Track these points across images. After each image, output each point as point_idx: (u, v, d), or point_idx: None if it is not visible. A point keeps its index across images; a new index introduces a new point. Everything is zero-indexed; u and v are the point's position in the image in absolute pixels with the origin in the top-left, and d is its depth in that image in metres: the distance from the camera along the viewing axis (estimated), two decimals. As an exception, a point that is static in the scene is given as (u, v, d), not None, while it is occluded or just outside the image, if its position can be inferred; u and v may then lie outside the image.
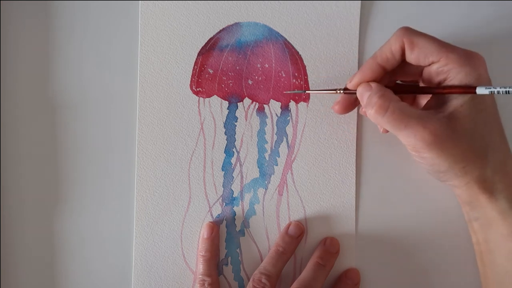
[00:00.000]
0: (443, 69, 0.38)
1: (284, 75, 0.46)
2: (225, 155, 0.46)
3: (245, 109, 0.46)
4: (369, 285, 0.45)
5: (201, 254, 0.44)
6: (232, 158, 0.46)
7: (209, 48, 0.46)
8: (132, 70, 0.46)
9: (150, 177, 0.45)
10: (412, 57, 0.39)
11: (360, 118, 0.46)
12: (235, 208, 0.46)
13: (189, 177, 0.45)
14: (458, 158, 0.38)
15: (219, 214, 0.46)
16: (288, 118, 0.46)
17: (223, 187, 0.46)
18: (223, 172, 0.46)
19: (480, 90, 0.37)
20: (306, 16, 0.46)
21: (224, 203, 0.46)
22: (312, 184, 0.46)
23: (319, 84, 0.46)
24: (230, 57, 0.46)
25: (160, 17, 0.46)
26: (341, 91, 0.42)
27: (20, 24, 0.46)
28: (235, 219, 0.46)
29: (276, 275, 0.43)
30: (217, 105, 0.46)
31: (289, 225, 0.45)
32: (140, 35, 0.46)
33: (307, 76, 0.46)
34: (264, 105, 0.46)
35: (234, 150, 0.46)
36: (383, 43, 0.40)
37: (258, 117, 0.46)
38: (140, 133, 0.46)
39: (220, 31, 0.46)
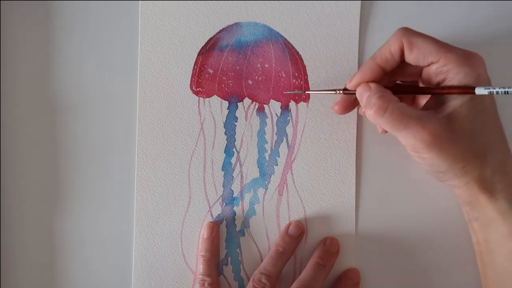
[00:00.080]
0: (442, 70, 0.38)
1: (284, 75, 0.46)
2: (225, 155, 0.46)
3: (245, 109, 0.46)
4: (369, 285, 0.45)
5: (201, 254, 0.44)
6: (232, 158, 0.46)
7: (209, 48, 0.46)
8: (132, 70, 0.46)
9: (150, 177, 0.45)
10: (411, 58, 0.39)
11: (360, 118, 0.46)
12: (235, 208, 0.46)
13: (189, 177, 0.46)
14: (458, 158, 0.38)
15: (219, 214, 0.46)
16: (288, 118, 0.46)
17: (223, 187, 0.46)
18: (223, 172, 0.46)
19: (479, 91, 0.37)
20: (306, 16, 0.46)
21: (224, 203, 0.46)
22: (312, 184, 0.46)
23: (319, 84, 0.46)
24: (230, 57, 0.46)
25: (160, 17, 0.46)
26: (341, 92, 0.42)
27: (20, 24, 0.46)
28: (235, 219, 0.46)
29: (276, 275, 0.43)
30: (217, 105, 0.46)
31: (289, 225, 0.45)
32: (140, 35, 0.46)
33: (307, 76, 0.46)
34: (264, 105, 0.46)
35: (234, 150, 0.46)
36: (383, 43, 0.40)
37: (258, 117, 0.46)
38: (140, 133, 0.46)
39: (220, 31, 0.46)
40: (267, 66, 0.46)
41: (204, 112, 0.46)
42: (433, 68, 0.38)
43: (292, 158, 0.46)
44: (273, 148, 0.46)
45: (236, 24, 0.46)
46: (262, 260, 0.45)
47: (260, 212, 0.46)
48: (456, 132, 0.37)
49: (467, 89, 0.37)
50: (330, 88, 0.45)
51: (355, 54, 0.46)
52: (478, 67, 0.38)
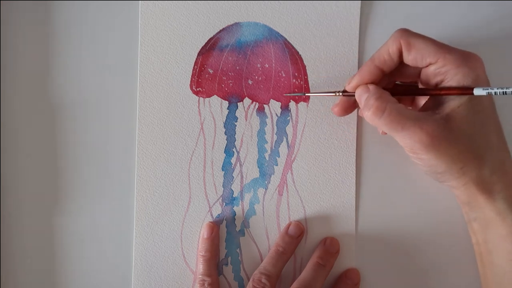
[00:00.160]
0: (441, 71, 0.38)
1: (284, 75, 0.46)
2: (225, 155, 0.46)
3: (245, 109, 0.46)
4: (369, 285, 0.45)
5: (201, 254, 0.44)
6: (232, 158, 0.46)
7: (209, 48, 0.46)
8: (132, 70, 0.46)
9: (150, 177, 0.45)
10: (409, 59, 0.39)
11: (360, 118, 0.46)
12: (235, 208, 0.46)
13: (189, 177, 0.46)
14: (456, 159, 0.38)
15: (219, 214, 0.46)
16: (288, 118, 0.46)
17: (223, 187, 0.46)
18: (223, 172, 0.46)
19: (478, 91, 0.36)
20: (306, 16, 0.46)
21: (224, 203, 0.46)
22: (312, 184, 0.46)
23: (319, 84, 0.46)
24: (230, 57, 0.46)
25: (160, 17, 0.46)
26: (340, 94, 0.42)
27: (20, 24, 0.46)
28: (235, 219, 0.46)
29: (276, 275, 0.43)
30: (217, 105, 0.46)
31: (289, 225, 0.45)
32: (140, 35, 0.46)
33: (307, 76, 0.46)
34: (264, 105, 0.46)
35: (234, 150, 0.46)
36: (383, 44, 0.40)
37: (258, 117, 0.46)
38: (140, 133, 0.46)
39: (220, 31, 0.46)
40: (267, 66, 0.46)
41: (204, 112, 0.46)
42: (432, 69, 0.38)
43: (292, 158, 0.46)
44: (273, 148, 0.46)
45: (236, 24, 0.46)
46: (262, 260, 0.45)
47: (260, 212, 0.46)
48: (454, 133, 0.37)
49: (465, 90, 0.37)
50: (330, 89, 0.45)
51: (355, 54, 0.46)
52: (476, 68, 0.38)
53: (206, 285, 0.44)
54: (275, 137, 0.46)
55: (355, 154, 0.46)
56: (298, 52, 0.46)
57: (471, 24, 0.46)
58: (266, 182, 0.46)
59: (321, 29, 0.46)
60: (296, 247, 0.45)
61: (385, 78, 0.41)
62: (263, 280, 0.42)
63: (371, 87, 0.39)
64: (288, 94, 0.46)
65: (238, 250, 0.46)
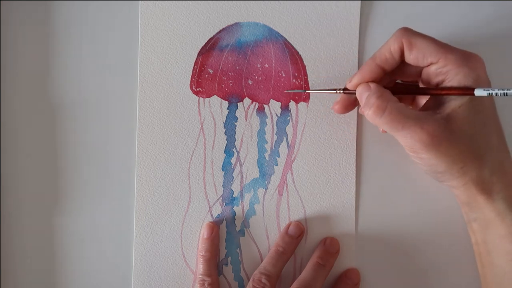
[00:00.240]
0: (442, 70, 0.38)
1: (284, 75, 0.46)
2: (225, 155, 0.46)
3: (245, 109, 0.46)
4: (369, 285, 0.45)
5: (201, 254, 0.44)
6: (232, 158, 0.46)
7: (209, 48, 0.46)
8: (132, 70, 0.46)
9: (150, 177, 0.45)
10: (411, 58, 0.39)
11: (360, 118, 0.46)
12: (235, 208, 0.46)
13: (189, 177, 0.46)
14: (456, 159, 0.38)
15: (219, 214, 0.46)
16: (288, 118, 0.46)
17: (223, 187, 0.46)
18: (223, 172, 0.46)
19: (478, 92, 0.36)
20: (306, 16, 0.46)
21: (224, 203, 0.46)
22: (312, 184, 0.46)
23: (319, 84, 0.46)
24: (230, 57, 0.46)
25: (160, 17, 0.46)
26: (341, 91, 0.42)
27: (20, 24, 0.46)
28: (235, 219, 0.46)
29: (276, 275, 0.43)
30: (217, 105, 0.46)
31: (289, 225, 0.45)
32: (140, 35, 0.46)
33: (307, 76, 0.46)
34: (264, 105, 0.46)
35: (234, 150, 0.46)
36: (383, 43, 0.40)
37: (258, 117, 0.46)
38: (140, 133, 0.46)
39: (220, 31, 0.46)
40: (267, 66, 0.46)
41: (204, 112, 0.46)
42: (433, 68, 0.38)
43: (292, 158, 0.46)
44: (273, 148, 0.46)
45: (236, 24, 0.46)
46: (262, 260, 0.45)
47: (260, 212, 0.46)
48: (455, 133, 0.37)
49: (466, 90, 0.37)
50: (330, 88, 0.45)
51: (355, 54, 0.46)
52: (477, 68, 0.38)
53: (206, 285, 0.44)
54: (275, 137, 0.46)
55: (355, 154, 0.46)
56: (298, 52, 0.46)
57: (471, 24, 0.46)
58: (266, 182, 0.46)
59: (321, 29, 0.46)
60: (296, 247, 0.45)
61: (386, 76, 0.41)
62: (263, 280, 0.42)
63: (372, 85, 0.39)
64: (289, 91, 0.45)
65: (238, 250, 0.46)
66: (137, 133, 0.46)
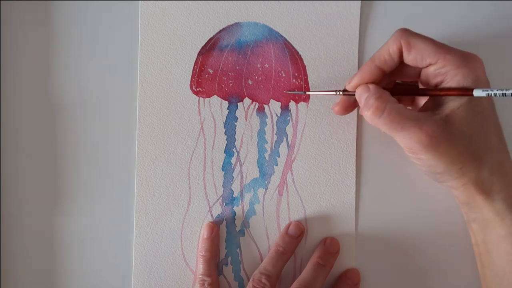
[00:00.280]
0: (441, 71, 0.38)
1: (284, 75, 0.46)
2: (225, 155, 0.46)
3: (245, 109, 0.46)
4: (369, 285, 0.45)
5: (201, 254, 0.44)
6: (232, 158, 0.46)
7: (209, 48, 0.46)
8: (132, 70, 0.46)
9: (150, 177, 0.45)
10: (409, 59, 0.39)
11: (360, 118, 0.46)
12: (235, 208, 0.46)
13: (189, 177, 0.46)
14: (455, 160, 0.38)
15: (219, 214, 0.46)
16: (288, 118, 0.46)
17: (223, 187, 0.46)
18: (223, 172, 0.46)
19: (477, 93, 0.36)
20: (306, 16, 0.46)
21: (224, 203, 0.46)
22: (312, 184, 0.46)
23: (319, 84, 0.46)
24: (230, 57, 0.46)
25: (160, 17, 0.46)
26: (340, 93, 0.42)
27: (20, 24, 0.46)
28: (235, 219, 0.46)
29: (276, 275, 0.43)
30: (217, 105, 0.46)
31: (289, 225, 0.45)
32: (140, 35, 0.46)
33: (307, 76, 0.46)
34: (264, 105, 0.46)
35: (234, 150, 0.46)
36: (383, 44, 0.40)
37: (258, 117, 0.46)
38: (140, 133, 0.46)
39: (220, 31, 0.46)
40: (267, 66, 0.46)
41: (204, 112, 0.46)
42: (432, 69, 0.38)
43: (292, 158, 0.46)
44: (273, 148, 0.46)
45: (236, 24, 0.46)
46: (262, 260, 0.45)
47: (260, 212, 0.46)
48: (454, 134, 0.37)
49: (465, 91, 0.37)
50: (330, 89, 0.45)
51: (355, 54, 0.46)
52: (476, 68, 0.38)
53: (206, 285, 0.44)
54: (275, 137, 0.46)
55: (355, 154, 0.46)
56: (298, 52, 0.46)
57: (471, 24, 0.46)
58: (266, 182, 0.46)
59: (321, 29, 0.46)
60: (296, 247, 0.45)
61: (385, 77, 0.41)
62: (263, 280, 0.42)
63: (371, 86, 0.39)
64: (289, 92, 0.46)
65: (238, 250, 0.46)
66: (137, 133, 0.46)
